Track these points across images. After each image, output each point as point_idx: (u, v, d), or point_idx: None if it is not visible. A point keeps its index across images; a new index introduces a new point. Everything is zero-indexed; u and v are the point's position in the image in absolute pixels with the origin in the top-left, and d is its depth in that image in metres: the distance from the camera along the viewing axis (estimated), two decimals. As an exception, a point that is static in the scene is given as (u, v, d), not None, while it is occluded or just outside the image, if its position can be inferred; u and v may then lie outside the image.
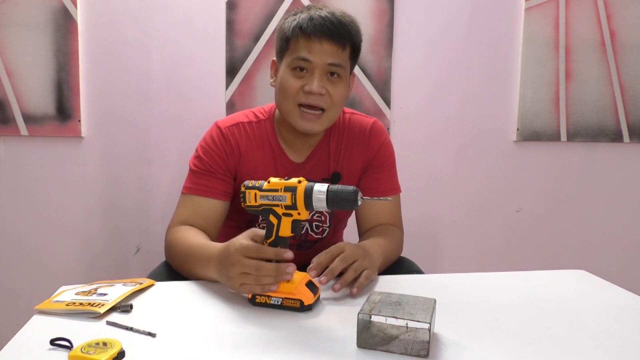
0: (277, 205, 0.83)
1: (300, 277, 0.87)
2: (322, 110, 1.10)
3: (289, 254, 0.84)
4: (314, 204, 0.81)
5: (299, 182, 0.82)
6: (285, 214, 0.84)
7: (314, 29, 1.06)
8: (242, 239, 0.86)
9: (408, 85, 1.87)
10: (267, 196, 0.84)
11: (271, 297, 0.85)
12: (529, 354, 0.71)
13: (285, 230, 0.85)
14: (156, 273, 1.09)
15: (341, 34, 1.07)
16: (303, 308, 0.84)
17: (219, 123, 1.18)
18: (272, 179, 0.84)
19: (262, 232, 0.87)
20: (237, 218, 1.21)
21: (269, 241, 0.85)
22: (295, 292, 0.84)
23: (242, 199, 0.87)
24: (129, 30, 1.72)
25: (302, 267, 1.24)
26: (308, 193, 0.81)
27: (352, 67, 1.16)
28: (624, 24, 1.94)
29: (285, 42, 1.11)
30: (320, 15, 1.07)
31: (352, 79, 1.19)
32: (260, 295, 0.85)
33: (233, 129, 1.16)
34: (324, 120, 1.11)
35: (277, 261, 0.84)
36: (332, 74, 1.09)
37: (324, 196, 0.80)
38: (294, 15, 1.11)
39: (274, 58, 1.17)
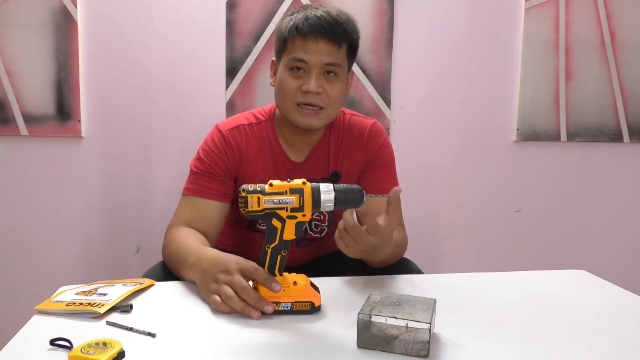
0: (282, 209, 0.81)
1: (303, 280, 0.86)
2: (321, 108, 1.11)
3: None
4: (322, 204, 0.80)
5: (303, 183, 0.81)
6: (289, 217, 0.82)
7: (309, 29, 1.07)
8: (246, 261, 0.86)
9: (408, 85, 1.87)
10: (272, 200, 0.81)
11: (280, 302, 0.83)
12: (529, 354, 0.71)
13: (289, 233, 0.83)
14: (151, 272, 1.09)
15: (337, 32, 1.08)
16: (314, 309, 0.83)
17: (220, 126, 1.18)
18: (274, 182, 0.82)
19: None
20: (240, 219, 1.22)
21: (272, 245, 0.83)
22: (303, 295, 0.84)
23: (242, 205, 0.82)
24: (129, 30, 1.72)
25: (301, 266, 1.25)
26: (315, 194, 0.80)
27: (349, 65, 1.16)
28: (624, 24, 1.94)
29: (282, 43, 1.12)
30: (316, 15, 1.08)
31: (350, 76, 1.19)
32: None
33: (234, 131, 1.17)
34: (323, 116, 1.12)
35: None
36: (328, 72, 1.10)
37: (333, 196, 0.80)
38: (291, 15, 1.12)
39: (274, 58, 1.18)
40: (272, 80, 1.19)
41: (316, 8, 1.11)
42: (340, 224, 0.90)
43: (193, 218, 1.11)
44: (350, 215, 0.88)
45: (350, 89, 1.22)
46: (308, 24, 1.07)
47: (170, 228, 1.11)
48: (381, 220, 0.89)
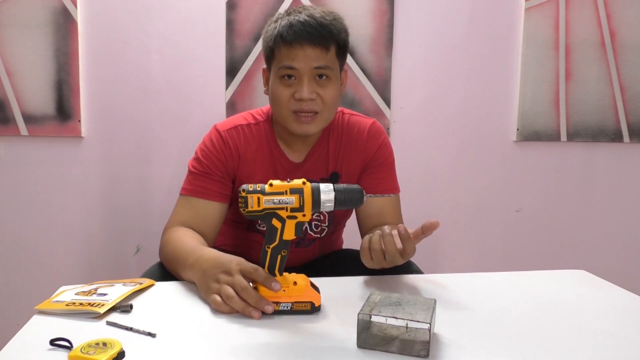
0: (282, 209, 0.81)
1: (303, 280, 0.86)
2: (316, 112, 1.10)
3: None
4: (322, 204, 0.80)
5: (303, 183, 0.81)
6: (289, 217, 0.82)
7: (294, 36, 1.05)
8: (246, 261, 0.86)
9: (408, 85, 1.87)
10: (272, 200, 0.81)
11: (280, 302, 0.83)
12: (529, 354, 0.71)
13: (289, 233, 0.83)
14: (150, 272, 1.09)
15: (322, 36, 1.06)
16: (314, 309, 0.83)
17: (218, 126, 1.18)
18: (274, 182, 0.82)
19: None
20: (240, 219, 1.22)
21: (272, 245, 0.83)
22: (303, 295, 0.84)
23: (242, 205, 0.82)
24: (129, 30, 1.72)
25: (301, 266, 1.25)
26: (316, 194, 0.80)
27: (341, 65, 1.15)
28: (624, 24, 1.94)
29: (269, 52, 1.11)
30: (299, 20, 1.06)
31: (344, 75, 1.18)
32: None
33: (232, 132, 1.16)
34: (319, 121, 1.11)
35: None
36: (320, 76, 1.08)
37: (333, 196, 0.80)
38: (275, 22, 1.10)
39: (264, 66, 1.17)
40: (265, 89, 1.18)
41: (299, 12, 1.08)
42: (376, 243, 0.91)
43: (190, 218, 1.11)
44: (392, 240, 0.89)
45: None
46: (292, 31, 1.05)
47: (168, 228, 1.11)
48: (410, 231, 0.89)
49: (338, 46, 1.11)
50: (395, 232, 0.91)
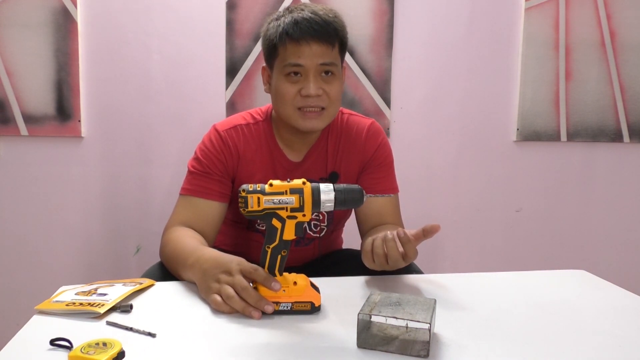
0: (282, 209, 0.81)
1: (303, 280, 0.86)
2: (322, 108, 1.10)
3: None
4: (322, 204, 0.80)
5: (303, 183, 0.81)
6: (289, 217, 0.82)
7: (301, 33, 1.05)
8: (246, 261, 0.87)
9: (408, 85, 1.87)
10: (272, 200, 0.81)
11: (280, 302, 0.83)
12: (529, 354, 0.71)
13: (289, 233, 0.83)
14: (150, 272, 1.09)
15: (328, 33, 1.07)
16: (314, 309, 0.83)
17: (217, 126, 1.18)
18: (274, 182, 0.82)
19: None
20: (239, 219, 1.22)
21: (272, 245, 0.83)
22: (303, 295, 0.84)
23: (242, 205, 0.82)
24: (129, 30, 1.72)
25: (301, 266, 1.25)
26: (316, 194, 0.80)
27: (342, 61, 1.16)
28: (624, 24, 1.94)
29: (273, 49, 1.10)
30: (305, 18, 1.06)
31: (344, 71, 1.19)
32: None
33: (231, 132, 1.16)
34: (325, 117, 1.11)
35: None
36: (326, 72, 1.09)
37: (333, 196, 0.80)
38: (277, 20, 1.10)
39: (264, 64, 1.17)
40: (266, 87, 1.17)
41: (302, 10, 1.08)
42: (379, 248, 0.92)
43: (191, 218, 1.11)
44: (395, 245, 0.90)
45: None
46: (299, 28, 1.05)
47: (168, 228, 1.11)
48: (412, 235, 0.89)
49: (341, 43, 1.12)
50: (396, 235, 0.92)
